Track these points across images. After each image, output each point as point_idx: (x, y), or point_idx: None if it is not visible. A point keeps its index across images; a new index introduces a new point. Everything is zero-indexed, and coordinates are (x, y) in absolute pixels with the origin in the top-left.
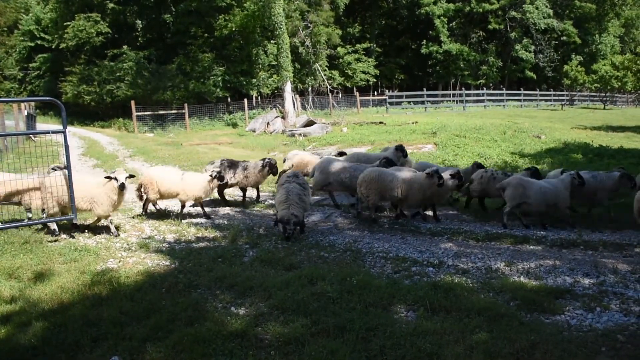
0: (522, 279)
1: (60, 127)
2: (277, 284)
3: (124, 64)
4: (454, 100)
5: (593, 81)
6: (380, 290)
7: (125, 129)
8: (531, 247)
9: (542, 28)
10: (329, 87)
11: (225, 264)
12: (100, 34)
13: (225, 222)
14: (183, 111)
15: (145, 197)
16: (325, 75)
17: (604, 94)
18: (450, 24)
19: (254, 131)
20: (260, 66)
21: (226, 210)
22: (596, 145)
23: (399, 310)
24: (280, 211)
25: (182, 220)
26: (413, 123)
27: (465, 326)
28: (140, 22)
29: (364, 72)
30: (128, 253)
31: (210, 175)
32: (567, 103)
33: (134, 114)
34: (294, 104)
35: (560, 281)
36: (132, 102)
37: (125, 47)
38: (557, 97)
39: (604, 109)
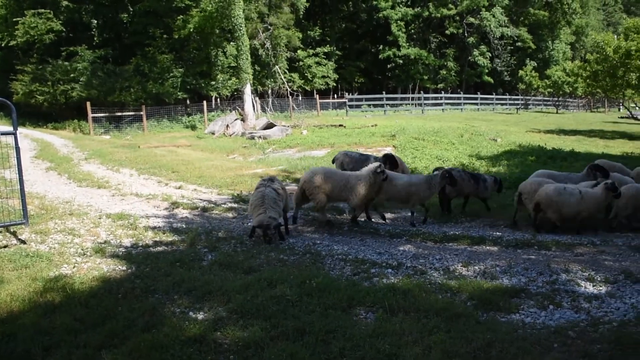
0: (478, 279)
1: (10, 129)
2: (236, 288)
3: (79, 64)
4: (413, 104)
5: (546, 86)
6: (339, 293)
7: (80, 130)
8: (487, 247)
9: (499, 34)
10: (289, 89)
11: (184, 268)
12: (52, 31)
13: (184, 226)
14: (140, 113)
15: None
16: (285, 77)
17: (556, 99)
18: (409, 29)
19: (213, 133)
20: (219, 68)
21: (185, 213)
22: (550, 148)
23: (359, 312)
24: (257, 216)
25: (139, 224)
26: (372, 126)
27: (424, 326)
28: (95, 21)
29: (324, 76)
30: (83, 258)
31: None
32: (522, 107)
33: (90, 115)
34: (253, 106)
35: (515, 281)
36: (88, 103)
37: (80, 46)
38: (512, 101)
39: (557, 113)
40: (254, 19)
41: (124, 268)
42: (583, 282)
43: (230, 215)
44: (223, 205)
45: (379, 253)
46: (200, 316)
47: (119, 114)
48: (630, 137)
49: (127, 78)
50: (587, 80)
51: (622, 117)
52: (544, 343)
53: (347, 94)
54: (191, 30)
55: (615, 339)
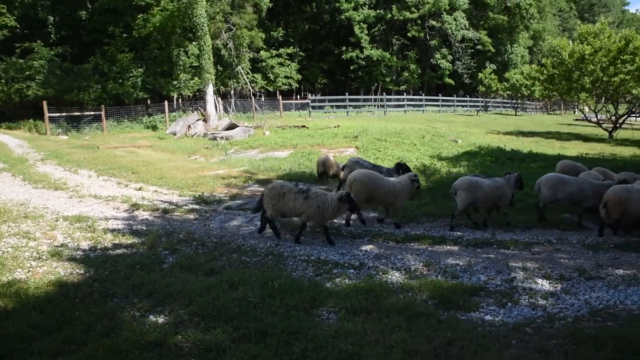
0: (439, 278)
1: None
2: (197, 290)
3: (35, 62)
4: (375, 105)
5: (505, 89)
6: (302, 294)
7: (36, 130)
8: (448, 247)
9: (459, 37)
10: (251, 90)
11: (144, 271)
12: (5, 27)
13: (144, 228)
14: (100, 113)
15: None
16: (248, 78)
17: (515, 101)
18: (372, 31)
19: (174, 134)
20: (181, 68)
21: (145, 215)
22: (508, 149)
23: (321, 312)
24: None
25: (98, 227)
26: (335, 127)
27: (386, 326)
28: (52, 17)
29: (287, 77)
30: (38, 262)
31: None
32: (482, 109)
33: (46, 114)
34: (216, 106)
35: (475, 279)
36: (44, 103)
37: (36, 43)
38: (473, 103)
39: (516, 115)
40: (217, 19)
41: (82, 272)
42: (540, 279)
43: (191, 216)
44: (184, 207)
45: (341, 254)
46: (160, 319)
47: (77, 113)
48: (585, 138)
49: (86, 77)
50: (544, 84)
51: (577, 120)
52: (503, 340)
53: (310, 94)
54: (152, 29)
55: (570, 334)
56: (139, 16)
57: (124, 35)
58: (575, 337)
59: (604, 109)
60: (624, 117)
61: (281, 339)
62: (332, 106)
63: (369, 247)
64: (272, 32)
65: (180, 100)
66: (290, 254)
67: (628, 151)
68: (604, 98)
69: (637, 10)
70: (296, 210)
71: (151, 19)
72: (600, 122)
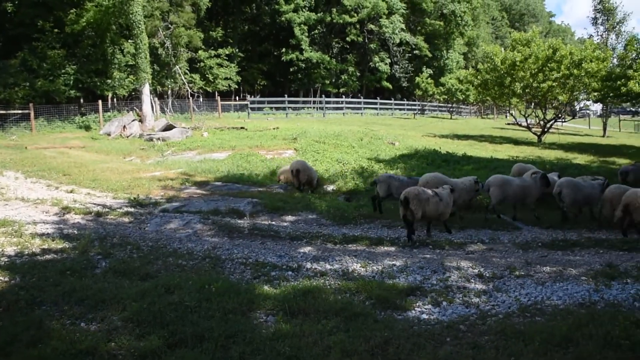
0: (376, 278)
1: None
2: (131, 295)
3: None
4: (314, 107)
5: (441, 93)
6: (239, 297)
7: None
8: (385, 248)
9: (397, 41)
10: (189, 90)
11: (75, 276)
12: None
13: (76, 232)
14: (28, 111)
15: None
16: (185, 78)
17: (450, 105)
18: (312, 33)
19: (109, 135)
20: (116, 66)
21: (77, 219)
22: (444, 152)
23: (259, 315)
24: None
25: (25, 231)
26: (274, 129)
27: (323, 327)
28: None
29: (226, 78)
30: None
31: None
32: (419, 112)
33: None
34: (152, 107)
35: (411, 279)
36: None
37: None
38: (410, 107)
39: (451, 118)
40: (154, 17)
41: (7, 279)
42: (473, 278)
43: (126, 220)
44: (119, 210)
45: (279, 256)
46: (92, 327)
47: (3, 112)
48: (516, 142)
49: (13, 74)
50: (478, 88)
51: (508, 124)
52: (438, 338)
53: (249, 96)
54: (85, 25)
55: (501, 330)
56: (71, 11)
57: (55, 30)
58: (506, 333)
59: (533, 113)
60: (551, 122)
61: (218, 343)
62: (271, 108)
63: (307, 249)
64: (210, 32)
65: (115, 99)
66: (228, 256)
67: (555, 154)
68: (533, 103)
69: (562, 21)
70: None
71: (85, 15)
72: (530, 126)
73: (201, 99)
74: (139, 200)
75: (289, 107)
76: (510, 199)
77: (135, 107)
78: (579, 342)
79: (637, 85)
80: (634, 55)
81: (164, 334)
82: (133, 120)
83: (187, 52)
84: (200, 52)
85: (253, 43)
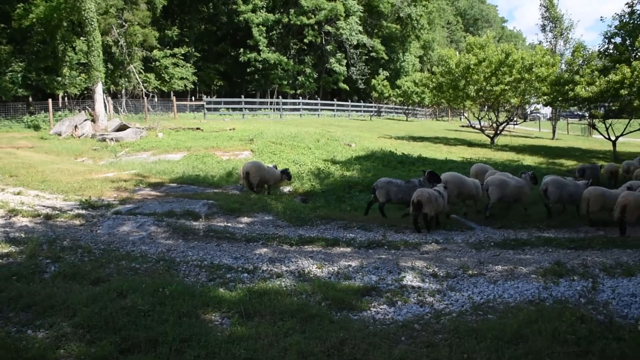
0: (332, 279)
1: None
2: (82, 300)
3: None
4: (271, 108)
5: (397, 95)
6: (194, 300)
7: None
8: (341, 249)
9: (354, 43)
10: (144, 90)
11: (22, 282)
12: None
13: (23, 236)
14: None
15: None
16: (140, 78)
17: (406, 107)
18: (270, 34)
19: (59, 135)
20: (67, 64)
21: (24, 222)
22: (400, 154)
23: (214, 318)
24: None
25: None
26: (230, 129)
27: (279, 329)
28: None
29: (182, 78)
30: None
31: None
32: (375, 114)
33: None
34: (105, 106)
35: (367, 280)
36: None
37: None
38: (366, 108)
39: (407, 120)
40: (108, 14)
41: None
42: (428, 277)
43: (77, 222)
44: (69, 212)
45: (235, 258)
46: (40, 334)
47: None
48: (469, 144)
49: None
50: (433, 91)
51: (462, 126)
52: (393, 337)
53: (205, 96)
54: (34, 20)
55: (454, 328)
56: (19, 5)
57: (2, 25)
58: (459, 331)
59: (487, 116)
60: (503, 125)
61: (173, 347)
62: (227, 109)
63: (263, 251)
64: (166, 31)
65: (66, 98)
66: (183, 259)
67: (507, 156)
68: (486, 106)
69: (514, 27)
70: None
71: (34, 10)
72: (483, 128)
73: (156, 99)
74: (91, 202)
75: (245, 108)
76: (507, 198)
77: (87, 107)
78: (529, 338)
79: (583, 90)
80: (580, 62)
81: (116, 339)
82: (85, 120)
83: (142, 51)
84: (155, 51)
85: (210, 43)
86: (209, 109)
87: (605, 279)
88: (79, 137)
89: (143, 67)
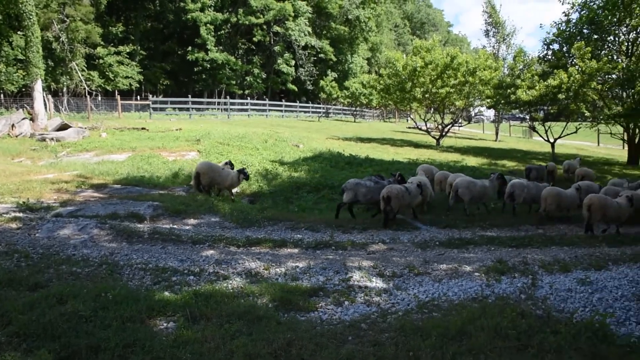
0: (280, 280)
1: None
2: (18, 308)
3: None
4: (219, 109)
5: (345, 96)
6: (138, 304)
7: None
8: (288, 250)
9: (303, 44)
10: (86, 88)
11: None
12: None
13: None
14: None
15: None
16: (83, 76)
17: (354, 109)
18: (218, 33)
19: None
20: (3, 59)
21: None
22: (347, 154)
23: (159, 322)
24: None
25: None
26: (177, 130)
27: (226, 332)
28: None
29: (127, 76)
30: None
31: None
32: (324, 115)
33: None
34: (45, 105)
35: (314, 280)
36: None
37: None
38: (315, 109)
39: (355, 121)
40: (48, 8)
41: None
42: (374, 277)
43: (14, 225)
44: (5, 215)
45: (181, 260)
46: None
47: None
48: (416, 145)
49: None
50: (381, 93)
51: (409, 127)
52: (340, 337)
53: (151, 96)
54: None
55: (400, 327)
56: None
57: None
58: (405, 329)
59: (432, 118)
60: (448, 127)
61: (115, 354)
62: (174, 108)
63: (209, 253)
64: (110, 28)
65: (2, 96)
66: (127, 262)
67: (451, 157)
68: (432, 108)
69: (459, 31)
70: None
71: None
72: (429, 130)
73: (100, 98)
74: (29, 204)
75: (192, 108)
76: (475, 198)
77: (25, 105)
78: (472, 334)
79: (524, 93)
80: (521, 66)
81: (55, 347)
82: (23, 118)
83: (85, 48)
84: (99, 48)
85: (156, 41)
86: (155, 109)
87: (544, 276)
88: (16, 136)
89: (86, 65)
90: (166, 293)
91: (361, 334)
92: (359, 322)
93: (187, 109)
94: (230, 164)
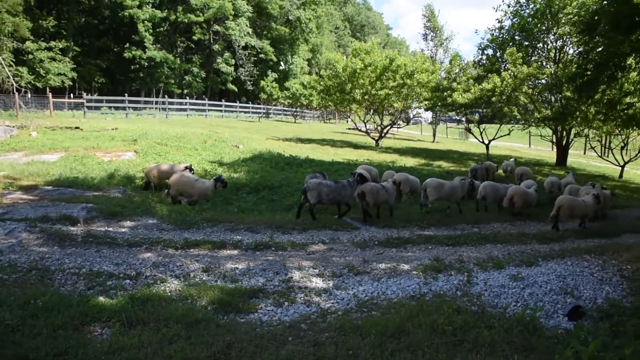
0: (219, 283)
1: None
2: None
3: None
4: (157, 108)
5: (286, 97)
6: (71, 310)
7: None
8: (228, 251)
9: (243, 44)
10: (14, 85)
11: None
12: None
13: None
14: None
15: None
16: (10, 71)
17: (294, 109)
18: (157, 30)
19: None
20: None
21: None
22: (287, 155)
23: (93, 329)
24: None
25: None
26: (113, 129)
27: (164, 336)
28: None
29: (59, 73)
30: None
31: None
32: (264, 116)
33: None
34: None
35: (254, 282)
36: None
37: None
38: (255, 110)
39: (295, 122)
40: None
41: None
42: (314, 277)
43: None
44: None
45: (116, 264)
46: None
47: None
48: (355, 146)
49: None
50: (321, 94)
51: (349, 129)
52: (280, 338)
53: (85, 94)
54: None
55: (340, 326)
56: None
57: None
58: (345, 328)
59: (372, 119)
60: (387, 128)
61: None
62: (110, 107)
63: (146, 255)
64: (41, 22)
65: None
66: (59, 267)
67: (390, 157)
68: (371, 109)
69: (398, 34)
70: None
71: None
72: (369, 131)
73: (29, 95)
74: None
75: (129, 107)
76: (443, 198)
77: None
78: (410, 332)
79: (460, 96)
80: (457, 70)
81: None
82: None
83: (12, 42)
84: (28, 42)
85: (90, 37)
86: (89, 108)
87: (478, 273)
88: None
89: (14, 60)
90: (101, 298)
91: (301, 335)
92: (299, 323)
93: (124, 108)
94: (190, 169)
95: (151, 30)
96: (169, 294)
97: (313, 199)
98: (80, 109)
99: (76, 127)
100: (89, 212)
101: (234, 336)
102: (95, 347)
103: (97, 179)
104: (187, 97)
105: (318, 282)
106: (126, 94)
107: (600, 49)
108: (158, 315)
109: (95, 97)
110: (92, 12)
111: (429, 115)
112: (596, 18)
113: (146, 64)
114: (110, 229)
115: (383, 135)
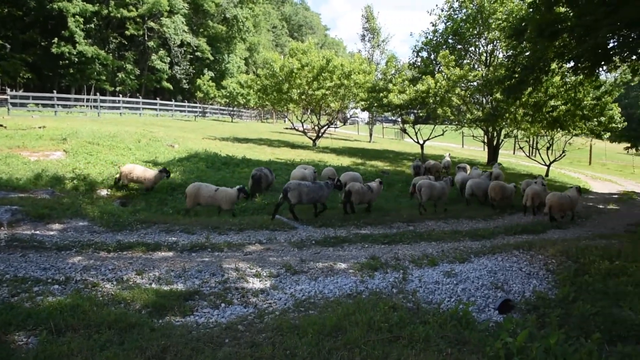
0: (153, 286)
1: None
2: None
3: None
4: (88, 106)
5: (223, 96)
6: None
7: None
8: (163, 253)
9: (179, 42)
10: None
11: None
12: None
13: None
14: None
15: None
16: None
17: (231, 108)
18: (88, 25)
19: None
20: None
21: None
22: (224, 155)
23: (18, 338)
24: None
25: None
26: (40, 127)
27: (95, 342)
28: None
29: None
30: None
31: None
32: (200, 115)
33: None
34: None
35: (190, 284)
36: None
37: None
38: (191, 109)
39: (232, 121)
40: None
41: None
42: (251, 278)
43: None
44: None
45: (43, 269)
46: None
47: None
48: (293, 145)
49: None
50: (258, 93)
51: (286, 128)
52: (217, 340)
53: (9, 90)
54: None
55: (277, 326)
56: None
57: None
58: (282, 328)
59: (309, 119)
60: (324, 128)
61: None
62: (37, 104)
63: (76, 259)
64: None
65: None
66: None
67: (327, 157)
68: (309, 109)
69: (336, 35)
70: None
71: None
72: (306, 131)
73: None
74: None
75: (58, 105)
76: (434, 198)
77: None
78: (347, 330)
79: (395, 97)
80: (393, 71)
81: None
82: None
83: None
84: None
85: (15, 29)
86: (14, 104)
87: (414, 270)
88: None
89: None
90: (26, 305)
91: (238, 336)
92: (235, 324)
93: (52, 106)
94: (166, 172)
95: (82, 25)
96: (101, 298)
97: (294, 199)
98: (3, 106)
99: (0, 125)
100: (14, 215)
101: (170, 340)
102: (20, 357)
103: (23, 179)
104: (120, 95)
105: (255, 283)
106: (55, 91)
107: (527, 53)
108: (89, 321)
109: (20, 93)
110: (16, 2)
111: (365, 115)
112: (523, 24)
113: (76, 59)
114: (38, 232)
115: (320, 135)
